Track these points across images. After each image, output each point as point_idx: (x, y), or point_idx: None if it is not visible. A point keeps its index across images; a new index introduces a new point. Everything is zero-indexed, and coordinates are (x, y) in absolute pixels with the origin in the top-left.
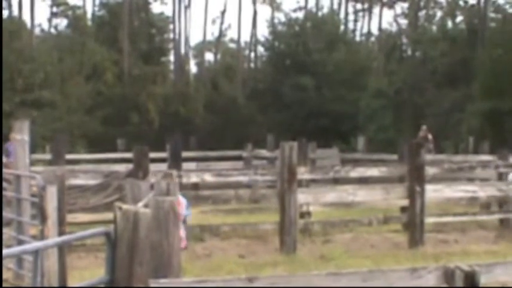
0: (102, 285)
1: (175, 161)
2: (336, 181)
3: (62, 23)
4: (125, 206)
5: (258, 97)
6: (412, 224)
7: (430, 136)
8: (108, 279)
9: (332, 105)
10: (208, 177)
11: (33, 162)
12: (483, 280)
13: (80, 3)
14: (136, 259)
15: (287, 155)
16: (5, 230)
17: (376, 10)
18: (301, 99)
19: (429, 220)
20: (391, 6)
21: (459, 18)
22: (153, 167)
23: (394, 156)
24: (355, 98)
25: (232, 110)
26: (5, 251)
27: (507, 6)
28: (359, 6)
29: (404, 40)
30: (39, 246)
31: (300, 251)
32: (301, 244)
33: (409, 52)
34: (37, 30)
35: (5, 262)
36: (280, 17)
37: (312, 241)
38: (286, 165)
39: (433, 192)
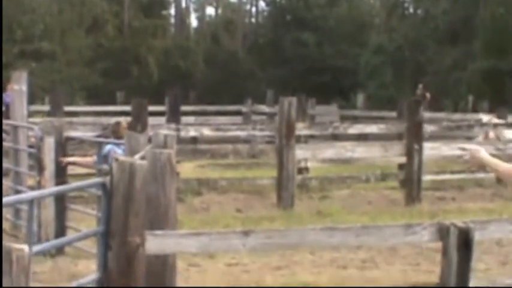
0: (97, 236)
1: (174, 115)
2: (335, 137)
3: None
4: (121, 157)
5: (258, 52)
6: (410, 181)
7: (428, 95)
8: (103, 229)
9: (332, 61)
10: (207, 132)
11: (31, 114)
12: (477, 237)
13: None
14: (132, 210)
15: (286, 110)
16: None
17: None
18: (302, 55)
19: (426, 178)
20: None
21: None
22: (151, 120)
23: (394, 114)
24: (356, 54)
25: (232, 64)
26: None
27: None
28: None
29: None
30: (34, 196)
31: (297, 207)
32: (299, 200)
33: (411, 9)
34: None
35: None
36: None
37: (310, 197)
38: (284, 121)
39: (431, 150)
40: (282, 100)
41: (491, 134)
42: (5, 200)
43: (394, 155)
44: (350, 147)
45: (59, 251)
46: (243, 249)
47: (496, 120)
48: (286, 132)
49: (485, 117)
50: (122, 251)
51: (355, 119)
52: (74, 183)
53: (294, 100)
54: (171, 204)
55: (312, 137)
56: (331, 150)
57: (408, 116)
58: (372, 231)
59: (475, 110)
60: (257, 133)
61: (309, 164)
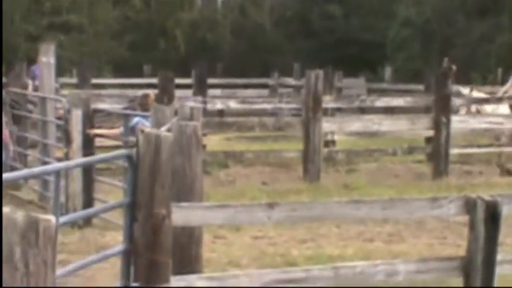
0: (124, 207)
1: (201, 88)
2: (362, 110)
3: None
4: (147, 129)
5: (285, 25)
6: (437, 154)
7: (454, 68)
8: (129, 201)
9: (360, 34)
10: (233, 104)
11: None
12: (505, 211)
13: None
14: (157, 182)
15: (313, 83)
16: (30, 152)
17: None
18: (329, 28)
19: (454, 151)
20: None
21: None
22: (178, 93)
23: (421, 87)
24: (383, 27)
25: (259, 37)
26: (27, 171)
27: None
28: None
29: None
30: (60, 167)
31: (324, 180)
32: (325, 173)
33: None
34: None
35: (30, 183)
36: None
37: (336, 170)
38: (311, 94)
39: (459, 123)
40: (309, 73)
41: (473, 108)
42: (31, 171)
43: (421, 128)
44: (377, 120)
45: (87, 222)
46: (268, 222)
47: (476, 94)
48: (313, 105)
49: (464, 90)
50: (148, 222)
51: (382, 92)
52: (101, 155)
53: (320, 73)
54: (197, 177)
55: (338, 110)
56: (358, 123)
57: (436, 89)
58: (399, 204)
59: (504, 83)
60: (283, 106)
61: (336, 137)
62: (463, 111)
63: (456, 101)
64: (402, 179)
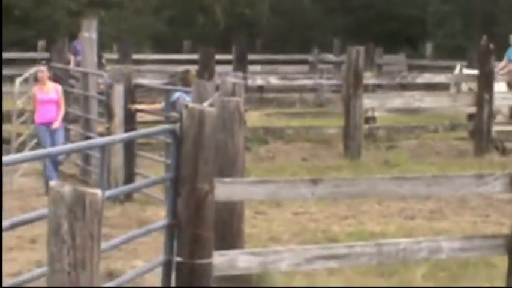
0: (167, 182)
1: (241, 63)
2: (403, 87)
3: None
4: (190, 104)
5: (324, 0)
6: (479, 131)
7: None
8: (173, 176)
9: (400, 10)
10: (274, 80)
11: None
12: None
13: None
14: (201, 157)
15: (354, 59)
16: (72, 127)
17: None
18: (369, 3)
19: (496, 128)
20: None
21: None
22: (218, 68)
23: (463, 63)
24: (424, 3)
25: (298, 13)
26: (72, 145)
27: None
28: None
29: None
30: (105, 141)
31: (364, 156)
32: (365, 149)
33: None
34: None
35: (72, 158)
36: None
37: (377, 147)
38: (352, 70)
39: (502, 100)
40: (350, 49)
41: (464, 86)
42: (77, 145)
43: (463, 105)
44: (418, 96)
45: (128, 197)
46: (311, 197)
47: (466, 71)
48: (354, 81)
49: (457, 68)
50: (191, 197)
51: (423, 69)
52: (144, 130)
53: (361, 49)
54: (239, 152)
55: (379, 86)
56: (399, 100)
57: (479, 66)
58: (443, 181)
59: None
60: (324, 82)
61: (376, 114)
62: (453, 90)
63: (498, 78)
64: (444, 156)
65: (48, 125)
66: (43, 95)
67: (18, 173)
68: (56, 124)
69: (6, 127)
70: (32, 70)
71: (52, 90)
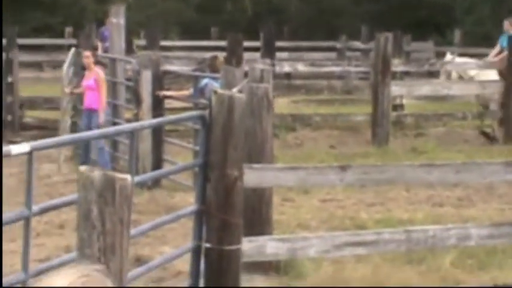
0: (196, 169)
1: (269, 50)
2: (431, 74)
3: None
4: (220, 91)
5: None
6: (508, 119)
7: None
8: (202, 162)
9: None
10: (301, 67)
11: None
12: None
13: None
14: (230, 143)
15: (382, 46)
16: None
17: None
18: None
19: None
20: None
21: None
22: (246, 55)
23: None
24: None
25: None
26: (101, 131)
27: None
28: None
29: None
30: (135, 127)
31: (392, 144)
32: (393, 136)
33: None
34: None
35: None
36: None
37: (404, 134)
38: (380, 57)
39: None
40: (378, 36)
41: (454, 74)
42: (106, 130)
43: (492, 92)
44: (447, 84)
45: (156, 183)
46: (340, 184)
47: (458, 59)
48: (382, 68)
49: (448, 56)
50: (221, 183)
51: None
52: (173, 116)
53: (390, 36)
54: (267, 139)
55: (407, 73)
56: (427, 87)
57: (508, 52)
58: (471, 168)
59: None
60: (352, 69)
61: (404, 101)
62: (442, 77)
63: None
64: (472, 143)
65: (86, 111)
66: (85, 81)
67: (61, 158)
68: (101, 116)
69: (50, 113)
70: (70, 55)
71: (92, 76)
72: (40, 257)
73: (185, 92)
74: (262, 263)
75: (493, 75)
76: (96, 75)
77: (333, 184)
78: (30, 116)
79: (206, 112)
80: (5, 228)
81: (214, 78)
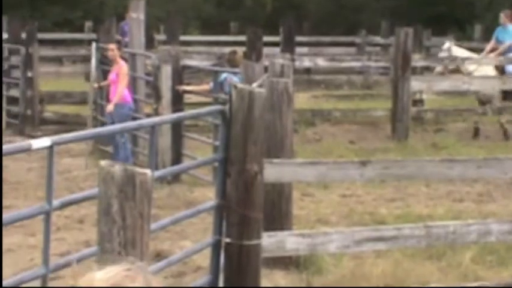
0: (216, 163)
1: (288, 45)
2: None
3: None
4: (240, 85)
5: None
6: None
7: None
8: (222, 157)
9: None
10: (321, 62)
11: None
12: None
13: None
14: (250, 138)
15: (402, 41)
16: None
17: None
18: None
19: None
20: None
21: None
22: (265, 50)
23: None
24: None
25: None
26: (121, 126)
27: None
28: None
29: None
30: (155, 122)
31: (412, 139)
32: (413, 132)
33: None
34: None
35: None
36: None
37: (424, 129)
38: (400, 52)
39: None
40: (398, 31)
41: (451, 66)
42: (126, 125)
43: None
44: (467, 79)
45: (175, 178)
46: (360, 179)
47: (456, 49)
48: (402, 63)
49: (447, 44)
50: (241, 178)
51: (472, 51)
52: (193, 111)
53: (410, 31)
54: (287, 134)
55: (427, 68)
56: (447, 83)
57: None
58: (492, 163)
59: None
60: (372, 64)
61: (424, 96)
62: (439, 68)
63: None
64: (492, 139)
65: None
66: (111, 74)
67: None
68: (109, 107)
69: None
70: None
71: (116, 70)
72: (60, 251)
73: (205, 87)
74: (282, 258)
75: (490, 70)
76: (118, 68)
77: (353, 179)
78: (50, 110)
79: (226, 107)
80: (25, 223)
81: (233, 73)
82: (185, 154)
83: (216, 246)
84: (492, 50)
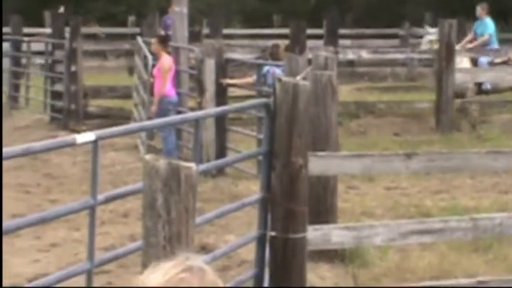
0: (260, 157)
1: (332, 38)
2: None
3: None
4: (284, 78)
5: None
6: None
7: None
8: (266, 150)
9: None
10: (365, 54)
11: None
12: None
13: None
14: (295, 131)
15: (446, 32)
16: None
17: None
18: None
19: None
20: None
21: None
22: (309, 43)
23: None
24: None
25: None
26: (165, 119)
27: None
28: None
29: None
30: (199, 115)
31: (456, 131)
32: (457, 123)
33: None
34: None
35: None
36: None
37: (469, 121)
38: (444, 43)
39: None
40: (442, 22)
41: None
42: (171, 119)
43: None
44: (511, 70)
45: (219, 171)
46: (406, 172)
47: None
48: (446, 55)
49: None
50: (285, 172)
51: None
52: (237, 104)
53: (454, 22)
54: (332, 126)
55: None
56: (491, 74)
57: None
58: None
59: None
60: (415, 56)
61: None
62: (424, 47)
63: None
64: None
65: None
66: (154, 69)
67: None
68: (152, 108)
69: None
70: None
71: (157, 65)
72: (104, 245)
73: (248, 80)
74: (328, 252)
75: (465, 62)
76: (160, 63)
77: (399, 172)
78: (94, 104)
79: (270, 100)
80: (69, 217)
81: (276, 66)
82: (229, 147)
83: (261, 240)
84: (468, 43)
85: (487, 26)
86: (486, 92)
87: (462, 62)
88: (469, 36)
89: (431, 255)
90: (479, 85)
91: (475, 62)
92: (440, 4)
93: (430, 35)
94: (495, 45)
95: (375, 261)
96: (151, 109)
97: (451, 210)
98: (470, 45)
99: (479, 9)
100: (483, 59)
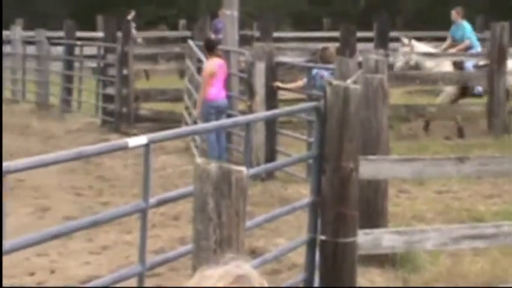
0: (310, 160)
1: (382, 41)
2: None
3: None
4: (335, 82)
5: None
6: None
7: None
8: (317, 154)
9: None
10: (416, 57)
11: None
12: None
13: None
14: (346, 135)
15: (498, 35)
16: None
17: None
18: None
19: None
20: None
21: None
22: (359, 46)
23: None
24: None
25: None
26: (216, 123)
27: None
28: None
29: None
30: (250, 119)
31: (509, 134)
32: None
33: None
34: None
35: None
36: None
37: None
38: (496, 46)
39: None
40: (494, 25)
41: (412, 62)
42: (222, 122)
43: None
44: None
45: (269, 175)
46: (457, 176)
47: (418, 44)
48: (498, 57)
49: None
50: (336, 175)
51: None
52: (288, 107)
53: (506, 25)
54: (383, 129)
55: None
56: None
57: None
58: None
59: None
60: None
61: None
62: (399, 63)
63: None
64: None
65: None
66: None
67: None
68: (196, 113)
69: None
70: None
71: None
72: (155, 248)
73: (299, 83)
74: (378, 256)
75: (447, 66)
76: (205, 66)
77: (450, 176)
78: (145, 108)
79: (321, 103)
80: (121, 220)
81: (325, 69)
82: (279, 151)
83: (311, 244)
84: (449, 48)
85: (465, 29)
86: (480, 96)
87: (445, 66)
88: (448, 42)
89: (483, 261)
90: (463, 88)
91: (459, 67)
92: (491, 7)
93: (405, 47)
94: (478, 48)
95: (425, 266)
96: (194, 112)
97: (504, 215)
98: (452, 50)
99: (454, 13)
100: (468, 64)
